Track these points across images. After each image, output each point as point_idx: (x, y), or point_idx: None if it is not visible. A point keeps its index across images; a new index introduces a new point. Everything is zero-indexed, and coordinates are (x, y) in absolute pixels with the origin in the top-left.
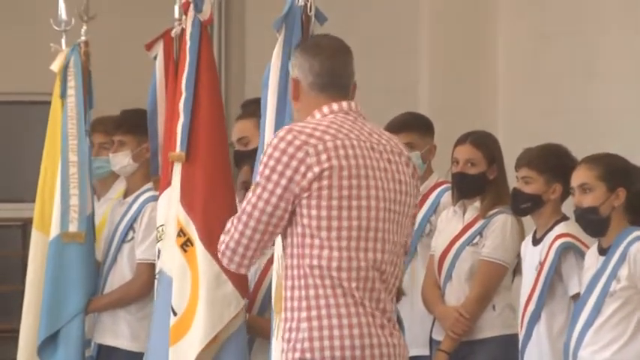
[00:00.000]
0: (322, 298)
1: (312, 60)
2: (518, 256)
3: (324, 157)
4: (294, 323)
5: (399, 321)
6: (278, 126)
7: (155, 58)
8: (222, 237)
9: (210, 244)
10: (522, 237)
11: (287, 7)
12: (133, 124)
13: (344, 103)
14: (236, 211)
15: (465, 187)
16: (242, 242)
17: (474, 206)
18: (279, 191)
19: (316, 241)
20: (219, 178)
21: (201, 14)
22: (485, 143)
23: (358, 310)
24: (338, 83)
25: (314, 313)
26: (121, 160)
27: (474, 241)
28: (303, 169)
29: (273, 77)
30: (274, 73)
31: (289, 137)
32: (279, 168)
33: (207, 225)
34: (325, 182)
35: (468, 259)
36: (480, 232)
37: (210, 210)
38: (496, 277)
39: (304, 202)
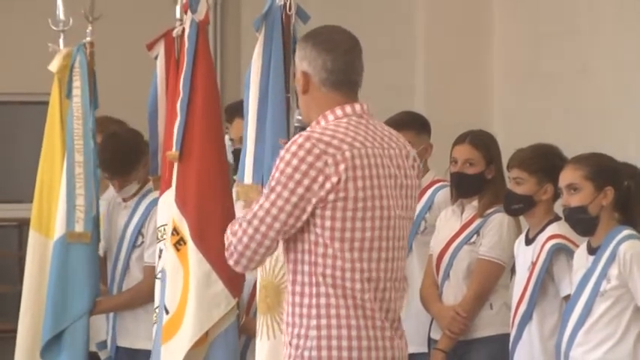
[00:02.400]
0: (333, 308)
1: (325, 56)
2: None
3: (342, 167)
4: (302, 330)
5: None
6: (260, 126)
7: (156, 58)
8: (229, 238)
9: (202, 243)
10: (520, 235)
11: (267, 6)
12: (127, 169)
13: (357, 106)
14: (230, 210)
15: (463, 187)
16: (251, 246)
17: (472, 205)
18: (294, 199)
19: (329, 251)
20: (213, 177)
21: (196, 14)
22: (484, 143)
23: (367, 323)
24: (350, 80)
25: (324, 321)
26: (129, 191)
27: (472, 240)
28: (321, 178)
29: (254, 77)
30: (255, 73)
31: (308, 145)
32: (297, 176)
33: (199, 224)
34: (342, 194)
35: (466, 257)
36: (477, 231)
37: (203, 209)
38: (493, 276)
39: (318, 212)
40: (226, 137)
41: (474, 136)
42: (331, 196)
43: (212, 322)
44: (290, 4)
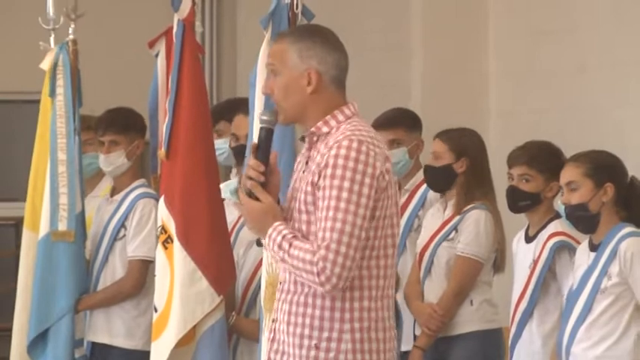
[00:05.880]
0: (366, 311)
1: (335, 53)
2: (497, 251)
3: (388, 165)
4: (334, 333)
5: (398, 313)
6: None
7: (157, 55)
8: (320, 264)
9: (187, 241)
10: (500, 231)
11: (273, 4)
12: (124, 123)
13: (355, 105)
14: (217, 209)
15: (430, 180)
16: (347, 265)
17: (453, 203)
18: (371, 203)
19: (366, 252)
20: (199, 175)
21: (179, 13)
22: (453, 137)
23: (390, 324)
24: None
25: (357, 325)
26: (115, 160)
27: (450, 237)
28: (380, 177)
29: (260, 75)
30: (261, 71)
31: (364, 148)
32: (367, 180)
33: (185, 222)
34: (386, 193)
35: (445, 254)
36: (455, 228)
37: (188, 207)
38: (471, 273)
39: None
40: (223, 140)
41: (445, 131)
42: (383, 194)
43: (196, 319)
44: (297, 2)
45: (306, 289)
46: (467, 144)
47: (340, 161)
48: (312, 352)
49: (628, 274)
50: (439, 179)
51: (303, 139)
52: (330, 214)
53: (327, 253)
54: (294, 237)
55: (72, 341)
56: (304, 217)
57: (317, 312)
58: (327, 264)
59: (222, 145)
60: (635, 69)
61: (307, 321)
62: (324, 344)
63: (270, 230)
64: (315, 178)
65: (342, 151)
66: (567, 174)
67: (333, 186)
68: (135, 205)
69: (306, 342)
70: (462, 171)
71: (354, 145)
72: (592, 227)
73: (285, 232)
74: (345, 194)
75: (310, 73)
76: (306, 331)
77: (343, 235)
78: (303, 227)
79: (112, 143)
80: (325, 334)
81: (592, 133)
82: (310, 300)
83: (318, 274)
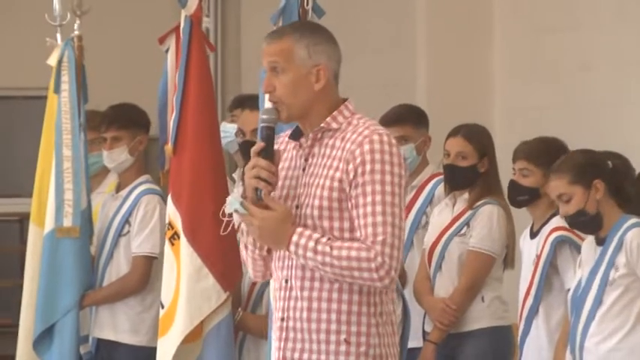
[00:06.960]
0: (381, 305)
1: (337, 48)
2: (507, 247)
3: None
4: (363, 327)
5: (406, 309)
6: None
7: (167, 51)
8: (381, 259)
9: (194, 238)
10: (511, 228)
11: (283, 1)
12: (127, 119)
13: (352, 102)
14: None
15: (455, 180)
16: (399, 257)
17: (464, 198)
18: (402, 194)
19: None
20: (206, 171)
21: (186, 9)
22: (476, 136)
23: (395, 318)
24: None
25: (380, 319)
26: (118, 157)
27: (462, 232)
28: (406, 173)
29: None
30: None
31: (394, 141)
32: (403, 172)
33: (191, 218)
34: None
35: (456, 249)
36: (467, 223)
37: (195, 203)
38: (484, 268)
39: None
40: (233, 125)
41: (466, 129)
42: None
43: (202, 316)
44: None
45: (327, 285)
46: (487, 143)
47: (378, 156)
48: (343, 347)
49: (635, 264)
50: (462, 179)
51: (296, 135)
52: (379, 208)
53: (384, 247)
54: (329, 239)
55: (77, 337)
56: (326, 213)
57: (344, 307)
58: (386, 258)
59: (230, 129)
60: (638, 68)
61: (333, 316)
62: (354, 338)
63: (295, 237)
64: (345, 176)
65: (377, 146)
66: (554, 187)
67: (376, 181)
68: (139, 201)
69: (333, 337)
70: (484, 171)
71: (385, 138)
72: (598, 227)
73: (315, 235)
74: (389, 187)
75: (320, 70)
76: (334, 327)
77: (395, 228)
78: (325, 224)
79: (114, 139)
80: (354, 329)
81: (595, 131)
82: (336, 295)
83: (377, 269)
